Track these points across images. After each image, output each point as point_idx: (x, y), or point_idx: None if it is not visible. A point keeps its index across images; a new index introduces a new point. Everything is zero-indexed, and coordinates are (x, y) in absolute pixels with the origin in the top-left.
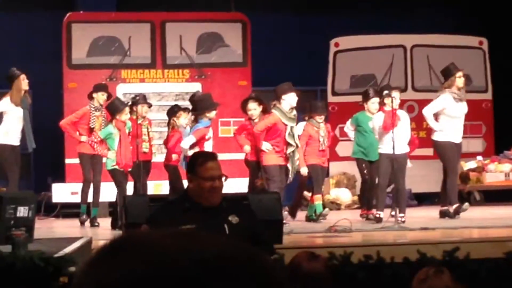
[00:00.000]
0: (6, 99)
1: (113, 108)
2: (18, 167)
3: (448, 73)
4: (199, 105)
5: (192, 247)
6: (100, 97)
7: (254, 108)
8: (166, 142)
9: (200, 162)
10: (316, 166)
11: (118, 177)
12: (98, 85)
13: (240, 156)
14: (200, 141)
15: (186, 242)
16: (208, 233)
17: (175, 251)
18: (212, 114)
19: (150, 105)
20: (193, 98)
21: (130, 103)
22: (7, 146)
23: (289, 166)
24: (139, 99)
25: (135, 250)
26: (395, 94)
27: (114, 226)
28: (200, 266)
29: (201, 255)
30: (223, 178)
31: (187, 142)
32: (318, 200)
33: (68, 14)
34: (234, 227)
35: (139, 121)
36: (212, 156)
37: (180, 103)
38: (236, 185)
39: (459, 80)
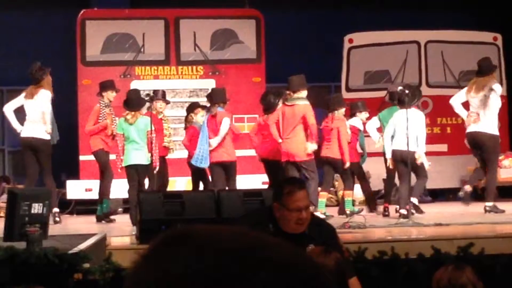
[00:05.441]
0: (47, 93)
1: (140, 102)
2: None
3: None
4: (215, 97)
5: (251, 241)
6: (110, 95)
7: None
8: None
9: (287, 191)
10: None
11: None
12: (107, 83)
13: (253, 152)
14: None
15: (240, 235)
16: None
17: (234, 244)
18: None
19: (167, 102)
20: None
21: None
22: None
23: None
24: (157, 96)
25: (194, 242)
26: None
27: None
28: (257, 259)
29: (261, 253)
30: (311, 208)
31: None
32: (348, 196)
33: (82, 11)
34: None
35: (160, 116)
36: (300, 185)
37: (194, 99)
38: (249, 181)
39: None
